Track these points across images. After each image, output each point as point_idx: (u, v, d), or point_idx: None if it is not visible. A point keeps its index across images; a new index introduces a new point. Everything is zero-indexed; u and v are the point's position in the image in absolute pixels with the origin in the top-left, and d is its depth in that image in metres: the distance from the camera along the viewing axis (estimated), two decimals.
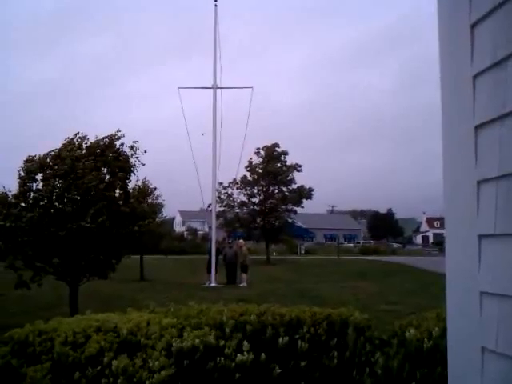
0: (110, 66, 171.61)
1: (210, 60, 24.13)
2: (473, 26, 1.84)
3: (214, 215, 24.76)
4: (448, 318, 2.00)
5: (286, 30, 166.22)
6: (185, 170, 36.48)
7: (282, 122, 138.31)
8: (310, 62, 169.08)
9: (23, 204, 11.31)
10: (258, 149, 38.47)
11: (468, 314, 1.83)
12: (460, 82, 1.91)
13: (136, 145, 12.11)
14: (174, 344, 4.05)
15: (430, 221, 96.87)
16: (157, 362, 3.79)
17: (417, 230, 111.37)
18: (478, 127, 1.80)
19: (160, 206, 26.19)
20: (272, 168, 37.64)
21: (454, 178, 1.95)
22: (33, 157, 11.46)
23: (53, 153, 11.47)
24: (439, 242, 70.59)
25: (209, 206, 27.77)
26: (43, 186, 11.30)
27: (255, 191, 38.54)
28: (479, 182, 1.78)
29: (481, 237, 1.77)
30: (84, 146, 11.79)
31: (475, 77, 1.82)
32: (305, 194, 38.71)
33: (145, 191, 19.72)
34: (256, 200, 38.65)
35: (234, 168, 36.32)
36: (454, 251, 1.97)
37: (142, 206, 13.61)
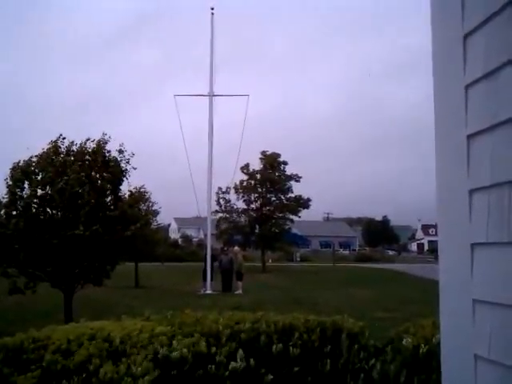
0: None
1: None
2: (465, 36, 1.86)
3: (209, 222, 24.74)
4: (441, 325, 2.02)
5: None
6: (181, 177, 36.51)
7: (281, 130, 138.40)
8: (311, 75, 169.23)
9: (14, 212, 11.24)
10: (263, 152, 38.62)
11: (461, 321, 1.85)
12: (453, 92, 1.93)
13: (123, 148, 12.10)
14: (160, 351, 4.05)
15: (426, 228, 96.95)
16: (139, 368, 3.79)
17: (412, 238, 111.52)
18: (470, 137, 1.81)
19: (156, 212, 26.15)
20: (271, 176, 37.79)
21: (447, 187, 1.97)
22: (17, 163, 11.36)
23: (35, 158, 11.41)
24: (434, 250, 70.62)
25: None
26: (30, 192, 11.24)
27: (252, 198, 38.63)
28: (471, 191, 1.80)
29: (473, 245, 1.78)
30: (70, 150, 11.74)
31: (467, 87, 1.84)
32: (302, 203, 38.95)
33: (139, 197, 19.53)
34: (253, 206, 38.72)
35: (235, 176, 36.38)
36: (446, 259, 1.98)
37: (133, 210, 13.42)
